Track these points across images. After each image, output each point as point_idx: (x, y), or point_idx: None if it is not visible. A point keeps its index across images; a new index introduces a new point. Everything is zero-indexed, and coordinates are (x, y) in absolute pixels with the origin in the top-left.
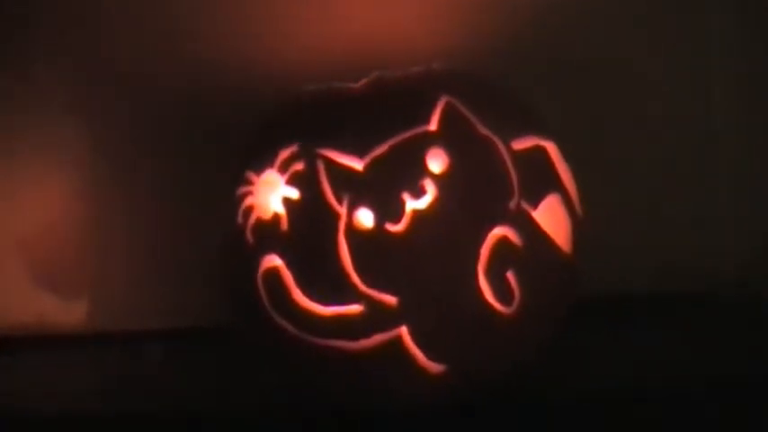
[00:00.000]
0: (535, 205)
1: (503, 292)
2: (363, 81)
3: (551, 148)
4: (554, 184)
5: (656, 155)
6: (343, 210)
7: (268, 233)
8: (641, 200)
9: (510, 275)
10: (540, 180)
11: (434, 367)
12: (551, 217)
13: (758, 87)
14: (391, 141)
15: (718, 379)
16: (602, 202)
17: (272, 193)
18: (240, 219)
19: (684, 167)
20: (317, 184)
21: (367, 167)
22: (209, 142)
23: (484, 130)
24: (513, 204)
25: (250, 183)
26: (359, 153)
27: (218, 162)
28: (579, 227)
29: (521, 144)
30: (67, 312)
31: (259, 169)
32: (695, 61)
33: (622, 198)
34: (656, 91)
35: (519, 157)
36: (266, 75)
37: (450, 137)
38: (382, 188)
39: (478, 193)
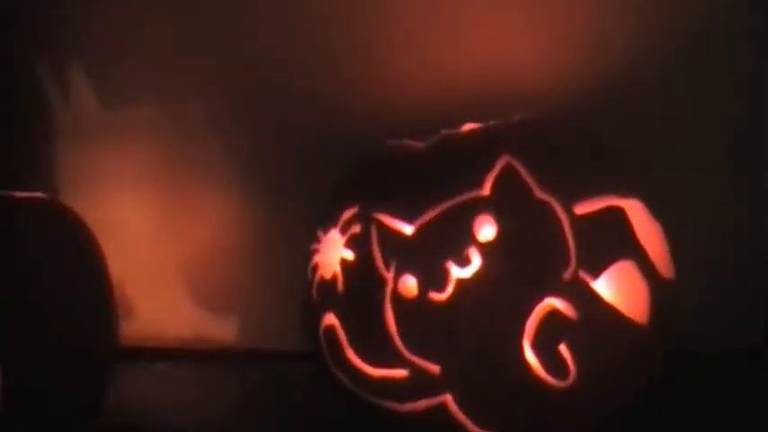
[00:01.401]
0: (596, 274)
1: (555, 365)
2: (429, 140)
3: (633, 207)
4: (627, 250)
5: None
6: (390, 275)
7: (328, 292)
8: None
9: (563, 348)
10: (607, 246)
11: None
12: (621, 286)
13: None
14: (441, 206)
15: None
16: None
17: (334, 253)
18: (309, 275)
19: None
20: (369, 247)
21: (416, 233)
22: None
23: (542, 195)
24: (567, 275)
25: (318, 241)
26: (409, 218)
27: None
28: (665, 292)
29: (587, 207)
30: (221, 329)
31: (326, 228)
32: None
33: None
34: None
35: (582, 222)
36: (390, 118)
37: (501, 203)
38: (428, 255)
39: (527, 263)
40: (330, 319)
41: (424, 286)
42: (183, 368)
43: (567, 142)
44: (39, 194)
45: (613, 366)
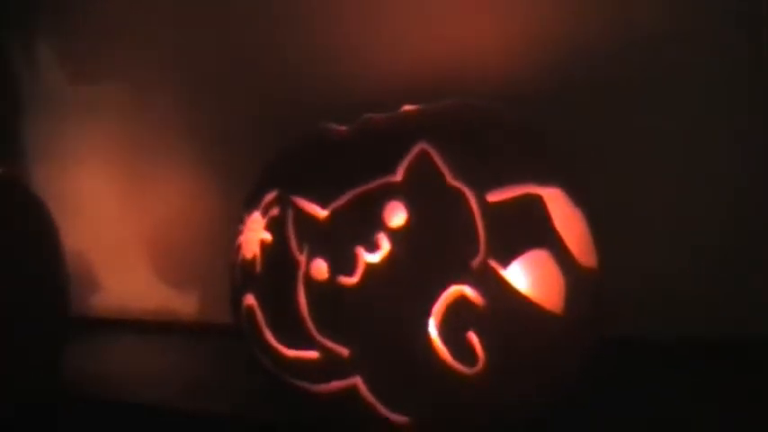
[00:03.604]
0: (507, 262)
1: (463, 351)
2: (353, 123)
3: (553, 195)
4: (542, 238)
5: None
6: (303, 258)
7: (248, 273)
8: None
9: (472, 335)
10: (520, 234)
11: (397, 418)
12: (534, 274)
13: None
14: (354, 191)
15: None
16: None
17: (255, 235)
18: (233, 254)
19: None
20: (285, 230)
21: (329, 217)
22: None
23: (455, 182)
24: (476, 262)
25: (243, 222)
26: (324, 202)
27: None
28: (584, 281)
29: (501, 195)
30: (183, 303)
31: (250, 210)
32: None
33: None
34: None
35: (495, 209)
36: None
37: (412, 189)
38: (339, 240)
39: (436, 249)
40: (250, 299)
41: (334, 270)
42: (147, 340)
43: (487, 129)
44: None
45: (525, 354)
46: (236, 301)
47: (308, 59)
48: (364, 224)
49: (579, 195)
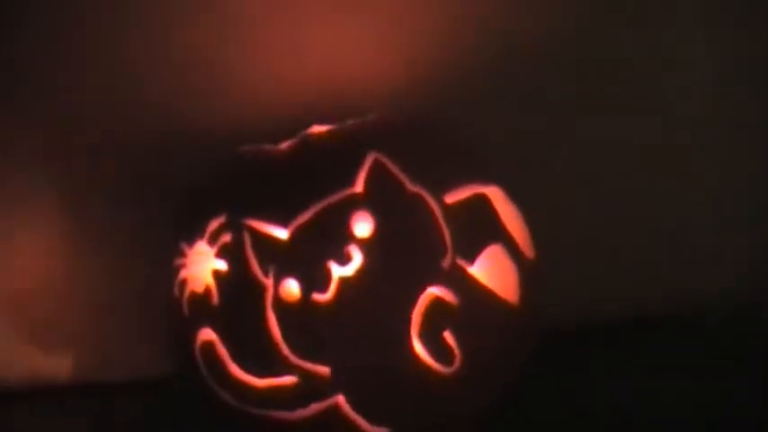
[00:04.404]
0: (472, 260)
1: (441, 352)
2: (290, 141)
3: (494, 193)
4: (495, 234)
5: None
6: (269, 281)
7: (201, 306)
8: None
9: (448, 335)
10: (478, 232)
11: (379, 431)
12: (493, 269)
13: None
14: (315, 207)
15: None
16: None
17: (204, 266)
18: (176, 291)
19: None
20: (244, 256)
21: (292, 236)
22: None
23: (413, 187)
24: (445, 263)
25: (183, 255)
26: (283, 222)
27: None
28: (530, 272)
29: (456, 196)
30: (56, 366)
31: (191, 241)
32: None
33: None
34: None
35: (453, 210)
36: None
37: (376, 198)
38: (307, 257)
39: (407, 255)
40: (207, 334)
41: (307, 288)
42: (19, 411)
43: (426, 135)
44: None
45: (494, 347)
46: (185, 339)
47: (185, 96)
48: (332, 238)
49: (512, 193)
